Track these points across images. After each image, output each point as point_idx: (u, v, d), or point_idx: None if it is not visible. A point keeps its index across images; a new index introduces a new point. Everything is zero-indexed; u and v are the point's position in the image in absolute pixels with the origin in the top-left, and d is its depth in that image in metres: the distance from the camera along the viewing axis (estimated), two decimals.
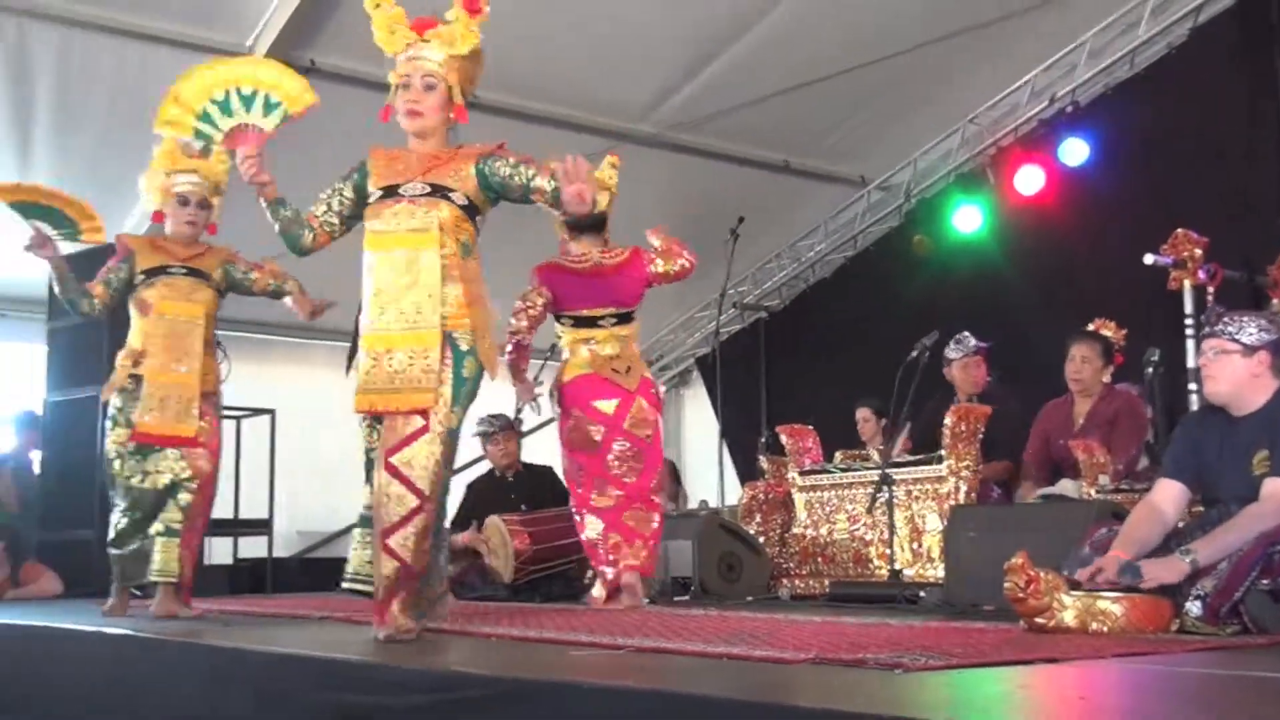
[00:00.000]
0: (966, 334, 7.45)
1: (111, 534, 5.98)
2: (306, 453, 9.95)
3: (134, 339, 6.05)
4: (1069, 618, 3.85)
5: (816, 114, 9.86)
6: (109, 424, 5.93)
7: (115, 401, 5.92)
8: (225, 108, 4.76)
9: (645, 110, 9.83)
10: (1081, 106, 9.93)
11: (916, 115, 10.39)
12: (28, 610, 6.24)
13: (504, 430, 8.08)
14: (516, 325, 6.04)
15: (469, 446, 8.99)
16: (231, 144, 4.67)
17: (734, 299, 11.56)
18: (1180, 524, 4.22)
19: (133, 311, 6.14)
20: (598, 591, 5.95)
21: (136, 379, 5.90)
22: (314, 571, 9.77)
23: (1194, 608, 3.82)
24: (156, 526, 5.79)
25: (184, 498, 5.80)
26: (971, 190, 10.57)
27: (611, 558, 5.86)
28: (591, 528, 5.99)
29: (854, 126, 10.31)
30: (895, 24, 8.94)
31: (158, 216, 6.23)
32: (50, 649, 4.95)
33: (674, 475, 11.16)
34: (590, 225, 6.17)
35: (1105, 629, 3.79)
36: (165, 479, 5.80)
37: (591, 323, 6.23)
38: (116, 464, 5.87)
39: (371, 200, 4.46)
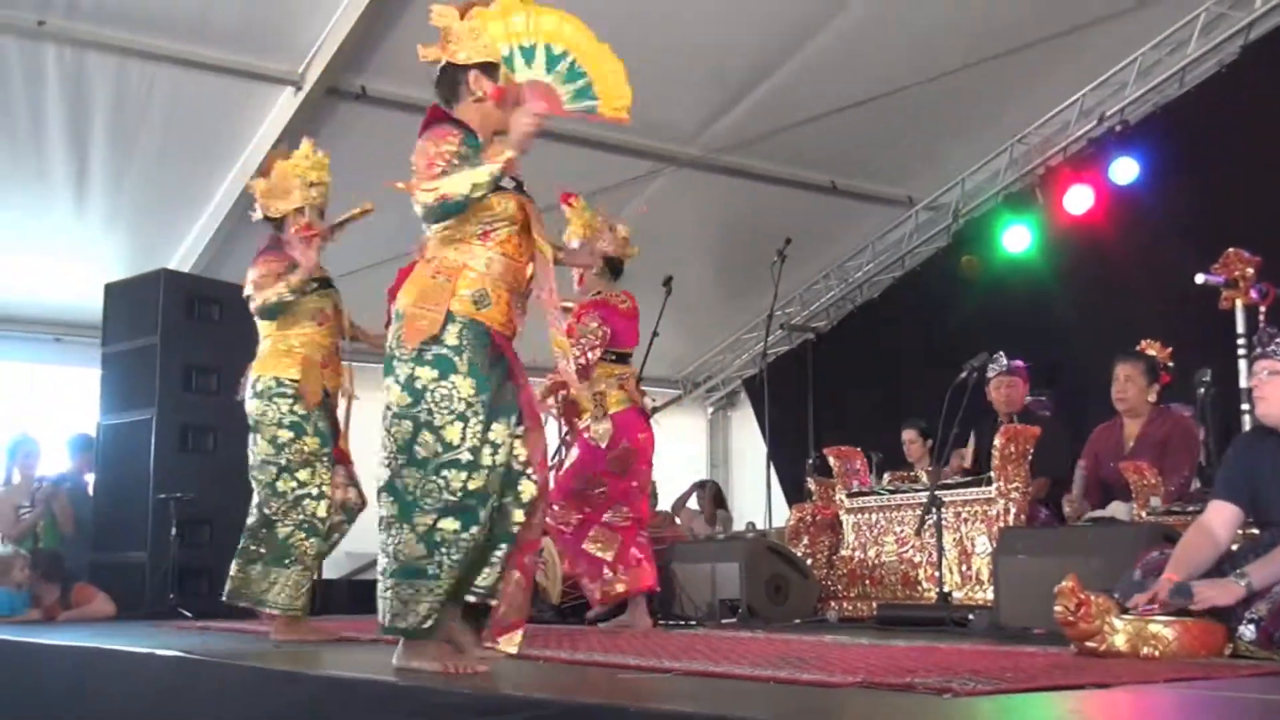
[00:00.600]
0: (1000, 353, 7.40)
1: (291, 555, 5.63)
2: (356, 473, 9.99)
3: (312, 351, 5.78)
4: (1120, 642, 3.82)
5: (863, 135, 9.85)
6: (290, 432, 5.57)
7: (299, 410, 5.62)
8: (529, 56, 4.32)
9: (693, 133, 9.86)
10: (1131, 125, 9.87)
11: (964, 135, 10.37)
12: (81, 632, 6.29)
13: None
14: (590, 358, 6.20)
15: None
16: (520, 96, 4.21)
17: (781, 320, 11.54)
18: (1233, 547, 4.18)
19: (309, 322, 5.85)
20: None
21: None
22: (361, 594, 9.79)
23: (1248, 631, 3.78)
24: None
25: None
26: (1020, 210, 10.52)
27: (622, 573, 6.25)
28: (609, 544, 6.26)
29: (901, 147, 10.29)
30: (942, 44, 8.93)
31: (305, 229, 5.86)
32: (103, 669, 4.99)
33: (717, 498, 11.14)
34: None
35: (1157, 653, 3.76)
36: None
37: (625, 359, 6.50)
38: (304, 473, 5.61)
39: None
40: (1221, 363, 6.87)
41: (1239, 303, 7.20)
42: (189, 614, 7.49)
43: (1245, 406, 6.68)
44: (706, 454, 13.56)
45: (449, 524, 3.77)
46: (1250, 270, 7.21)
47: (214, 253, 9.51)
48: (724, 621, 6.59)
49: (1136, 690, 3.07)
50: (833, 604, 7.11)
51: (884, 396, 10.38)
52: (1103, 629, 3.84)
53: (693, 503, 11.03)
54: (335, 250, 9.59)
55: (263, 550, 5.61)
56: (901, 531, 6.91)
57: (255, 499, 5.69)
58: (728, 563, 6.85)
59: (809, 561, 7.25)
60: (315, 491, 5.61)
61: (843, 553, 7.23)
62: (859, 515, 7.20)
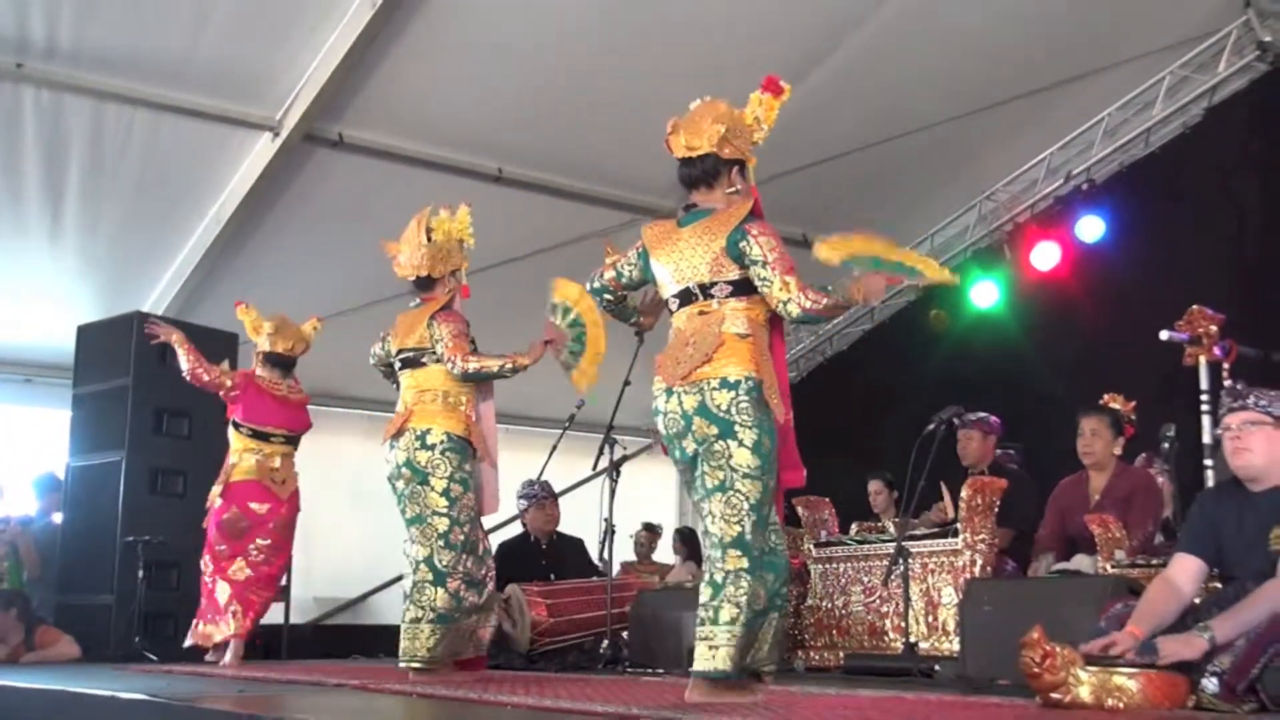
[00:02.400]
0: (963, 409, 7.40)
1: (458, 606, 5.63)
2: (325, 519, 9.95)
3: (470, 411, 5.82)
4: (1085, 693, 3.80)
5: (834, 190, 9.90)
6: (460, 487, 5.63)
7: (468, 467, 5.70)
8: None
9: (666, 186, 9.89)
10: (1097, 184, 9.98)
11: (934, 192, 10.45)
12: (45, 674, 6.21)
13: (551, 497, 8.14)
14: None
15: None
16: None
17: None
18: (1197, 600, 4.18)
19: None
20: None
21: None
22: (328, 638, 9.74)
23: (1210, 684, 3.77)
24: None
25: None
26: (988, 266, 10.60)
27: None
28: None
29: (872, 202, 10.34)
30: (913, 103, 9.01)
31: (465, 291, 6.00)
32: (68, 712, 4.93)
33: (693, 545, 11.08)
34: None
35: (1121, 705, 3.75)
36: None
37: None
38: (469, 527, 5.68)
39: None
40: (1185, 418, 6.91)
41: (1202, 359, 7.26)
42: (155, 657, 7.41)
43: (1208, 461, 6.73)
44: (677, 502, 13.51)
45: (780, 581, 4.19)
46: (1213, 327, 7.27)
47: (188, 295, 9.46)
48: (690, 670, 6.54)
49: None
50: (800, 653, 7.06)
51: (852, 447, 10.38)
52: (1068, 680, 3.82)
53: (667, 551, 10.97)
54: (309, 295, 9.61)
55: (436, 608, 5.52)
56: (868, 582, 6.88)
57: (418, 551, 5.60)
58: (696, 611, 6.81)
59: None
60: (476, 544, 5.71)
61: (810, 602, 7.19)
62: (826, 565, 7.17)
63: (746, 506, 4.01)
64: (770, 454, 4.06)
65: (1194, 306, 7.32)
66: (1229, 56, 9.21)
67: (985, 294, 10.50)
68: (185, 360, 7.32)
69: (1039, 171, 10.29)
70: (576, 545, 8.28)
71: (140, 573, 7.77)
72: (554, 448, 8.81)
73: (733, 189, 4.42)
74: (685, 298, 4.28)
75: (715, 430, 4.05)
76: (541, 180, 9.41)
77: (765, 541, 4.10)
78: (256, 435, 7.46)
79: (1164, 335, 7.32)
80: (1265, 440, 4.12)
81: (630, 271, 4.55)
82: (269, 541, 7.40)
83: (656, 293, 4.57)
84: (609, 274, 4.63)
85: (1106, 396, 6.83)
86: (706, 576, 4.09)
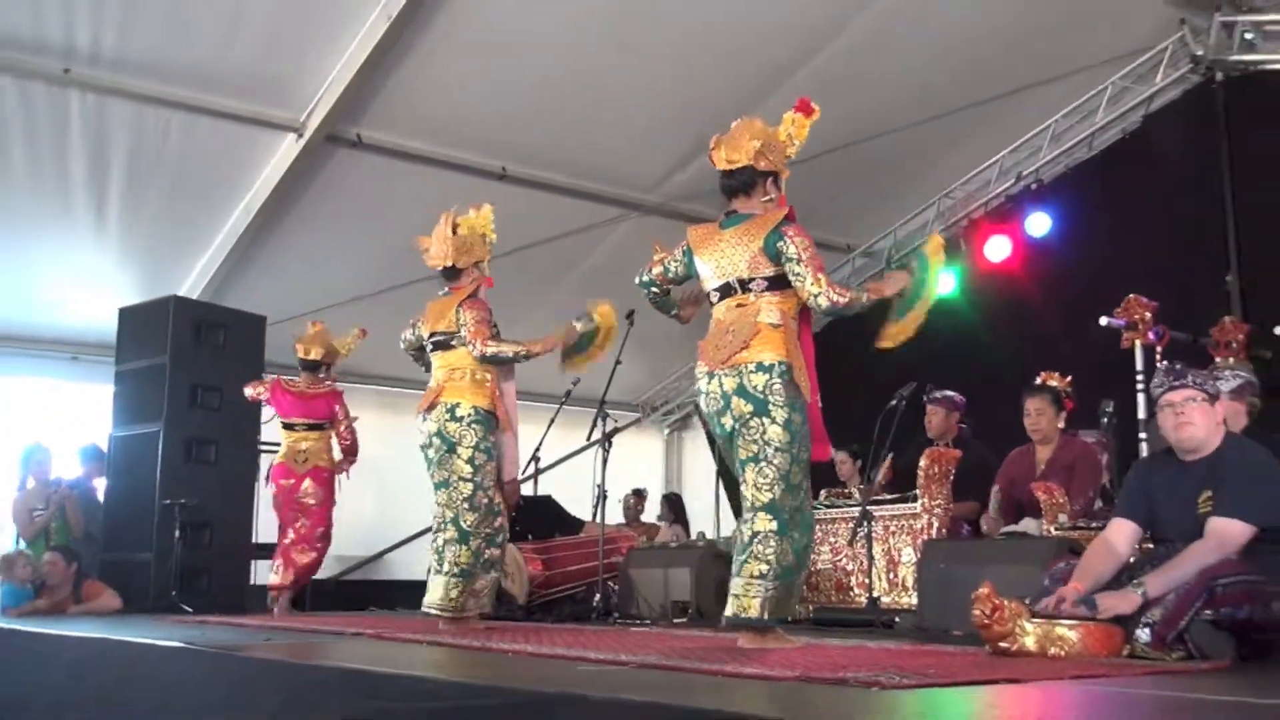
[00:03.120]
0: (931, 386, 7.42)
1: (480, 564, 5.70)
2: (345, 484, 9.95)
3: (493, 385, 5.86)
4: (1030, 643, 3.82)
5: (807, 188, 9.78)
6: (484, 455, 5.67)
7: (491, 437, 5.73)
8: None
9: (655, 183, 9.91)
10: (1045, 184, 9.99)
11: (897, 191, 10.45)
12: (90, 624, 6.22)
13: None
14: None
15: None
16: None
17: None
18: (1132, 559, 4.20)
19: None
20: None
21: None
22: (349, 592, 9.75)
23: (1143, 635, 3.79)
24: None
25: None
26: (946, 258, 10.57)
27: None
28: None
29: (841, 200, 10.33)
30: (880, 110, 9.00)
31: (489, 281, 6.05)
32: (110, 658, 4.93)
33: (679, 509, 11.09)
34: None
35: (1063, 653, 3.77)
36: None
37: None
38: (494, 491, 5.74)
39: None
40: (1122, 395, 6.93)
41: (1138, 343, 7.28)
42: (189, 609, 7.42)
43: (1143, 435, 6.74)
44: (663, 470, 13.55)
45: (806, 539, 4.27)
46: (1148, 314, 7.29)
47: (220, 282, 9.46)
48: (676, 621, 6.57)
49: (1044, 686, 3.07)
50: None
51: (823, 420, 10.39)
52: (1015, 631, 3.84)
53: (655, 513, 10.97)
54: (330, 282, 9.59)
55: (459, 565, 5.60)
56: (835, 542, 6.90)
57: (445, 512, 5.68)
58: (680, 568, 6.84)
59: None
60: (499, 508, 5.76)
61: None
62: None
63: (776, 475, 4.16)
64: (800, 429, 4.22)
65: (1131, 295, 7.33)
66: (1165, 69, 9.21)
67: (943, 283, 10.49)
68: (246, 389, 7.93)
69: (992, 172, 10.29)
70: (545, 503, 8.28)
71: (176, 532, 7.77)
72: (552, 420, 8.83)
73: (768, 197, 4.54)
74: (726, 291, 4.40)
75: (750, 408, 4.19)
76: (541, 178, 9.40)
77: (795, 506, 4.22)
78: (285, 426, 7.91)
79: (1103, 321, 7.33)
80: (1202, 414, 4.15)
81: (676, 267, 4.69)
82: (299, 510, 7.75)
83: (698, 288, 4.67)
84: (657, 270, 4.77)
85: (1044, 374, 6.83)
86: (743, 538, 4.23)
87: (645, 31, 8.22)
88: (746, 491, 4.22)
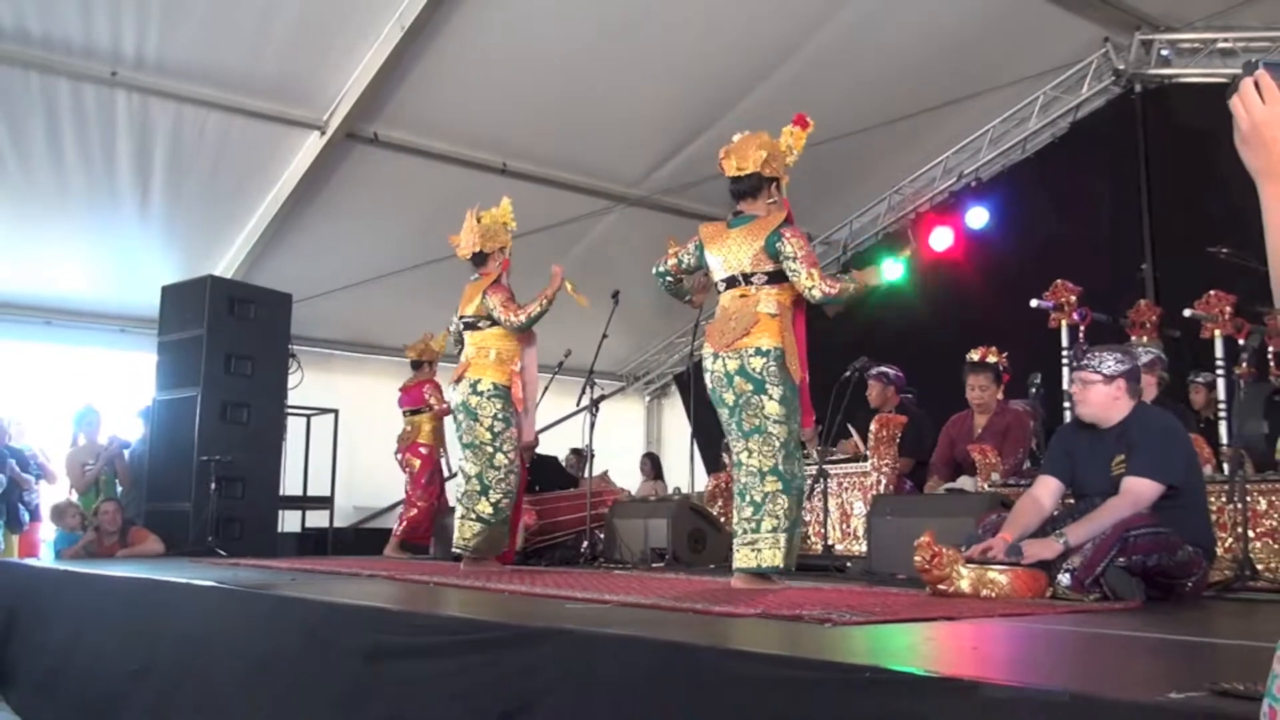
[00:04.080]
0: (869, 362, 7.40)
1: (500, 515, 5.84)
2: (362, 443, 9.95)
3: (514, 365, 5.93)
4: (965, 586, 3.84)
5: None
6: (503, 424, 5.76)
7: (509, 409, 5.81)
8: None
9: (638, 179, 9.87)
10: (983, 182, 10.00)
11: (852, 186, 10.44)
12: (137, 566, 6.20)
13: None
14: None
15: None
16: None
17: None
18: (1055, 512, 4.21)
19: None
20: None
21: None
22: (366, 538, 9.74)
23: (1064, 579, 3.81)
24: None
25: None
26: (895, 247, 10.58)
27: None
28: None
29: (803, 194, 10.22)
30: (837, 114, 8.93)
31: (506, 263, 6.02)
32: (155, 595, 4.92)
33: (657, 467, 11.11)
34: None
35: (993, 595, 3.78)
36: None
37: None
38: (512, 454, 5.83)
39: None
40: (1049, 368, 6.95)
41: (1064, 323, 7.30)
42: (224, 553, 7.40)
43: (1066, 405, 6.77)
44: (644, 433, 13.55)
45: (801, 497, 4.39)
46: (1073, 298, 7.31)
47: (251, 263, 9.41)
48: (653, 565, 6.57)
49: (977, 623, 3.08)
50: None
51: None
52: (951, 575, 3.85)
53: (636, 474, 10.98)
54: (349, 264, 9.54)
55: (479, 513, 5.75)
56: None
57: (470, 469, 5.80)
58: (658, 519, 6.84)
59: (723, 519, 7.23)
60: (515, 468, 5.86)
61: None
62: None
63: (778, 444, 4.30)
64: (792, 404, 4.36)
65: (1058, 281, 7.35)
66: (1090, 81, 9.21)
67: (892, 270, 10.46)
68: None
69: (937, 171, 10.29)
70: (551, 462, 8.30)
71: (212, 485, 7.74)
72: (545, 388, 8.79)
73: (771, 200, 4.63)
74: (731, 282, 4.51)
75: (751, 388, 4.32)
76: (538, 173, 9.35)
77: (793, 469, 4.36)
78: (403, 414, 8.75)
79: (1034, 303, 7.35)
80: (1095, 393, 4.17)
81: (688, 259, 4.77)
82: (407, 475, 8.64)
83: (707, 277, 4.79)
84: (671, 261, 4.84)
85: (981, 349, 6.84)
86: (747, 498, 4.32)
87: (631, 48, 8.20)
88: (749, 460, 4.32)
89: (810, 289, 4.36)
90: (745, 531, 4.30)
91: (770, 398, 4.29)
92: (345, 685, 3.34)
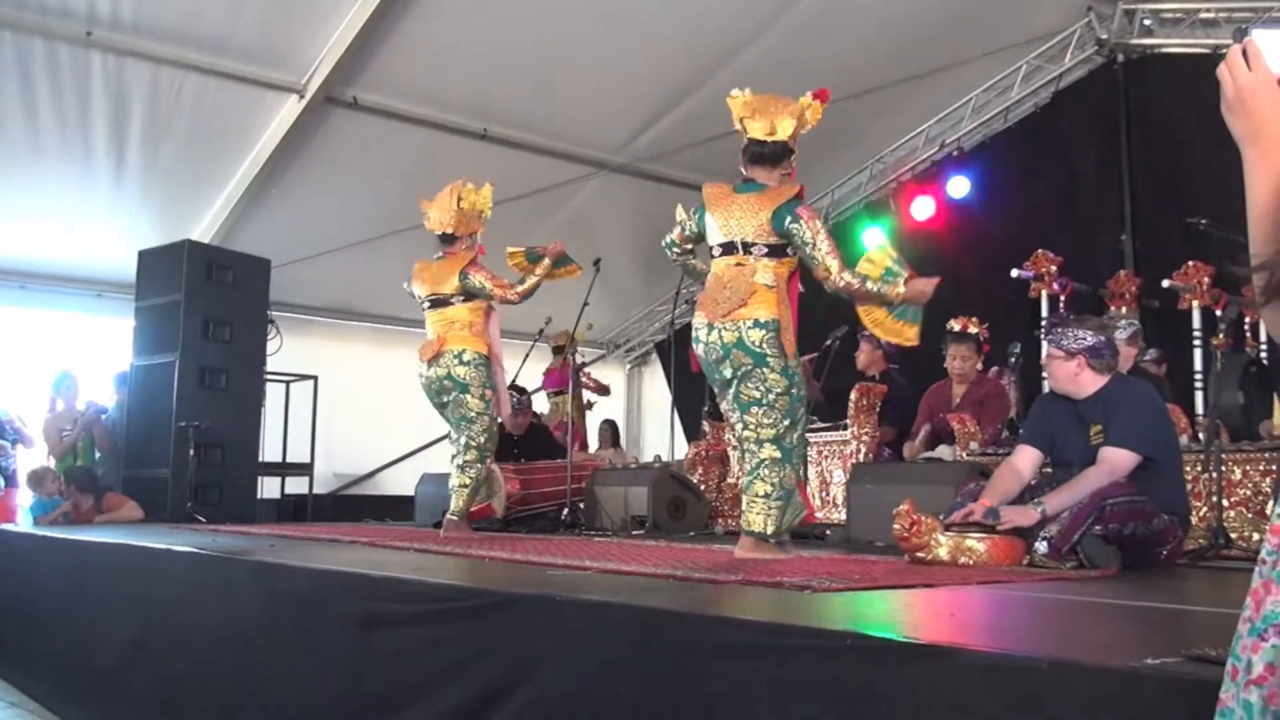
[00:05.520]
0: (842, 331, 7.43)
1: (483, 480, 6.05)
2: (342, 410, 9.92)
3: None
4: (943, 553, 3.87)
5: None
6: (490, 389, 5.85)
7: (492, 377, 5.88)
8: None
9: (621, 145, 9.82)
10: (965, 151, 9.99)
11: (835, 154, 10.41)
12: (115, 532, 6.19)
13: (527, 407, 8.17)
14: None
15: None
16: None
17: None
18: (1033, 481, 4.25)
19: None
20: None
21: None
22: (345, 505, 9.75)
23: (1041, 547, 3.85)
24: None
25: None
26: (877, 215, 10.60)
27: None
28: None
29: None
30: (819, 82, 8.82)
31: (481, 249, 6.03)
32: (133, 561, 4.91)
33: (615, 434, 11.05)
34: None
35: (971, 562, 3.82)
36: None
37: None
38: (493, 422, 5.93)
39: None
40: (1028, 338, 6.99)
41: (1044, 293, 7.34)
42: (203, 519, 7.40)
43: (1045, 374, 6.82)
44: (624, 401, 13.57)
45: (801, 465, 4.35)
46: (1054, 268, 7.35)
47: (229, 228, 9.34)
48: (634, 533, 6.60)
49: (955, 589, 3.11)
50: (720, 520, 7.15)
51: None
52: (930, 543, 3.88)
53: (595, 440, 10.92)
54: (328, 229, 9.48)
55: (473, 478, 5.87)
56: None
57: (462, 438, 5.85)
58: (638, 486, 6.86)
59: (702, 486, 7.28)
60: (496, 429, 6.02)
61: (729, 480, 7.27)
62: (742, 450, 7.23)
63: (780, 414, 4.24)
64: (796, 374, 4.29)
65: (1039, 251, 7.39)
66: (1073, 51, 9.20)
67: (874, 238, 10.50)
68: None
69: (919, 140, 10.28)
70: (541, 431, 8.30)
71: (191, 451, 7.72)
72: (526, 355, 8.81)
73: (785, 171, 4.53)
74: (729, 249, 4.34)
75: (751, 361, 4.21)
76: (519, 139, 9.30)
77: (798, 438, 4.35)
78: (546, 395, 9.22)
79: (1014, 273, 7.39)
80: (1058, 368, 4.22)
81: (692, 226, 4.60)
82: None
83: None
84: (677, 231, 4.68)
85: (962, 320, 6.88)
86: (748, 465, 4.30)
87: (613, 14, 8.12)
88: (748, 431, 4.27)
89: (828, 279, 4.33)
90: (748, 499, 4.28)
91: (772, 370, 4.21)
92: (339, 653, 3.34)
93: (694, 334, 4.39)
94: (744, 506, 4.29)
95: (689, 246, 4.71)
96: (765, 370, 4.21)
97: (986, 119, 9.86)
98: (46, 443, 8.69)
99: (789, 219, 4.28)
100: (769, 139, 4.44)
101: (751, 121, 4.48)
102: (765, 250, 4.30)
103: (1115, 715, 1.60)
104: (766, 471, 4.22)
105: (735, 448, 4.42)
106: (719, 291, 4.30)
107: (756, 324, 4.20)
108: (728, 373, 4.30)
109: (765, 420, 4.24)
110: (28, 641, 5.71)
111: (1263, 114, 1.43)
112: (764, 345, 4.20)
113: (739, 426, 4.33)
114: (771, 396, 4.23)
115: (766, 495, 4.22)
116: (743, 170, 4.52)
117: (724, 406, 4.48)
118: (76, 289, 9.82)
